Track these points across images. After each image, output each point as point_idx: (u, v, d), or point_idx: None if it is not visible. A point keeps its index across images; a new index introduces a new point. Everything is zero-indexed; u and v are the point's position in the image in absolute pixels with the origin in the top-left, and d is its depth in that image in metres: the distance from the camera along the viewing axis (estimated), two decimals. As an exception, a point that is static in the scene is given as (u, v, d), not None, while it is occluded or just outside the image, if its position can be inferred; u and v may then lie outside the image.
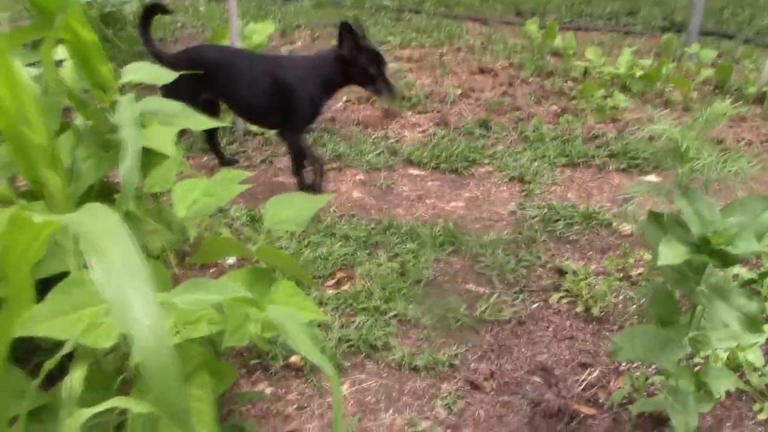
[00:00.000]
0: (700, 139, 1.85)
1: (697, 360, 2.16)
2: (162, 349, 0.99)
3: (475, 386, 2.22)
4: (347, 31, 3.20)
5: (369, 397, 2.17)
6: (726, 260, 1.70)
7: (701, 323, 1.85)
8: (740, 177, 1.84)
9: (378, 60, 3.30)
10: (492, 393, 2.20)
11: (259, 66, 3.39)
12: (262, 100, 3.37)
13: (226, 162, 3.76)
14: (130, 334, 0.98)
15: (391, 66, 5.00)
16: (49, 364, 1.39)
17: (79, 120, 2.19)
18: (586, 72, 5.19)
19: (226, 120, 3.94)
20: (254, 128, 4.02)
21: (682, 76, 4.90)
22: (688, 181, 1.84)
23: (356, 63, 3.27)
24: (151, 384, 1.00)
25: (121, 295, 0.97)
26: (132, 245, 1.04)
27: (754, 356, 2.19)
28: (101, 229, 1.02)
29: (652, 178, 3.63)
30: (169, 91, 3.12)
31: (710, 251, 1.70)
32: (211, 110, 3.50)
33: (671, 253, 1.65)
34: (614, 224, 3.13)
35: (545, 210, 3.25)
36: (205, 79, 3.24)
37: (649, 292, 1.97)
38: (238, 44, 4.01)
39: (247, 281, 1.92)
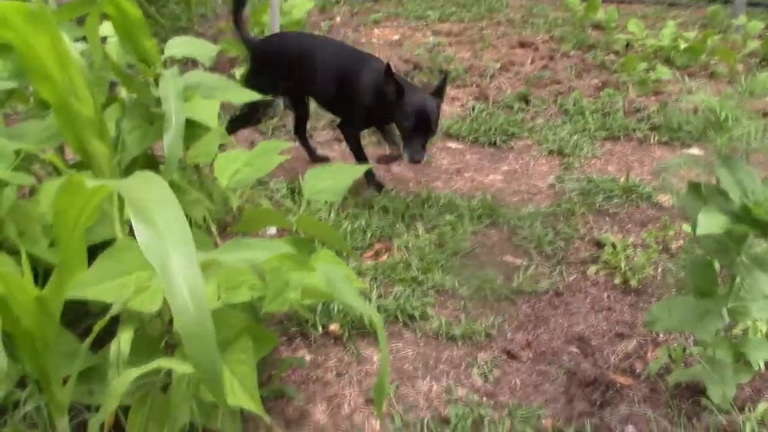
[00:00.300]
0: (740, 109, 1.83)
1: (736, 332, 2.15)
2: (200, 312, 1.03)
3: (512, 355, 2.24)
4: (388, 76, 2.87)
5: (407, 365, 2.20)
6: (767, 230, 1.69)
7: (740, 294, 1.84)
8: (782, 147, 1.82)
9: (422, 123, 2.86)
10: (528, 362, 2.22)
11: (338, 58, 3.19)
12: (335, 91, 3.19)
13: (317, 158, 3.55)
14: (169, 297, 1.02)
15: (430, 40, 5.00)
16: (100, 324, 1.45)
17: (124, 94, 2.24)
18: (628, 45, 5.12)
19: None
20: (294, 103, 4.05)
21: (728, 48, 4.79)
22: (729, 151, 1.82)
23: (395, 112, 2.92)
24: (188, 346, 1.05)
25: (164, 259, 1.01)
26: (178, 211, 1.08)
27: (794, 329, 2.17)
28: (150, 194, 1.06)
29: (694, 151, 3.58)
30: (251, 79, 3.24)
31: (751, 221, 1.69)
32: (299, 102, 3.46)
33: (710, 223, 1.64)
34: (655, 197, 3.10)
35: (584, 183, 3.23)
36: (286, 66, 3.22)
37: (688, 264, 1.96)
38: (278, 20, 4.04)
39: (287, 250, 1.96)
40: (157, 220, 1.03)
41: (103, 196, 1.18)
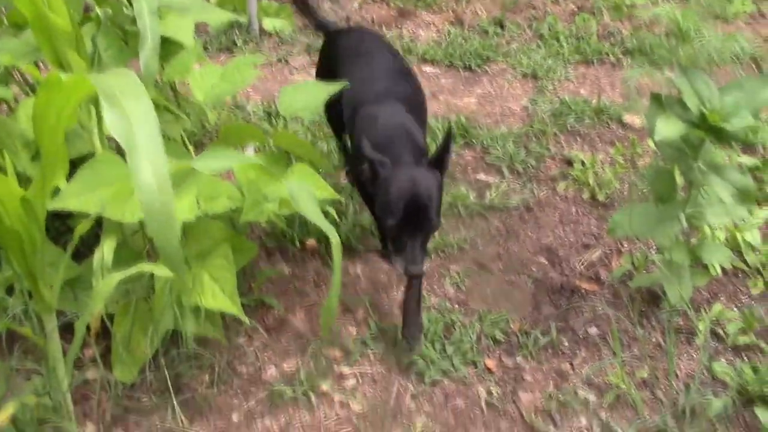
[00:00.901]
0: (702, 21, 1.88)
1: (696, 241, 2.25)
2: (162, 189, 1.10)
3: (483, 266, 2.34)
4: (360, 153, 1.95)
5: (382, 276, 2.29)
6: (722, 137, 1.77)
7: (698, 200, 1.93)
8: (741, 57, 1.88)
9: (412, 218, 1.81)
10: (498, 273, 2.32)
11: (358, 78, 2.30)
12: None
13: None
14: (134, 174, 1.08)
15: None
16: (82, 227, 1.50)
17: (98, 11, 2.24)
18: (604, -30, 5.10)
19: (243, 17, 3.94)
20: (270, 27, 4.03)
21: (704, -28, 4.81)
22: (689, 62, 1.88)
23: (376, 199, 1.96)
24: (149, 221, 1.11)
25: (129, 137, 1.07)
26: (145, 98, 1.13)
27: (752, 236, 2.28)
28: (120, 84, 1.11)
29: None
30: (317, 69, 2.72)
31: (707, 127, 1.76)
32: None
33: (668, 129, 1.72)
34: (624, 118, 3.17)
35: (557, 105, 3.29)
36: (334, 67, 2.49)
37: (650, 172, 2.04)
38: None
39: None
40: (125, 105, 1.08)
41: (81, 94, 1.22)
